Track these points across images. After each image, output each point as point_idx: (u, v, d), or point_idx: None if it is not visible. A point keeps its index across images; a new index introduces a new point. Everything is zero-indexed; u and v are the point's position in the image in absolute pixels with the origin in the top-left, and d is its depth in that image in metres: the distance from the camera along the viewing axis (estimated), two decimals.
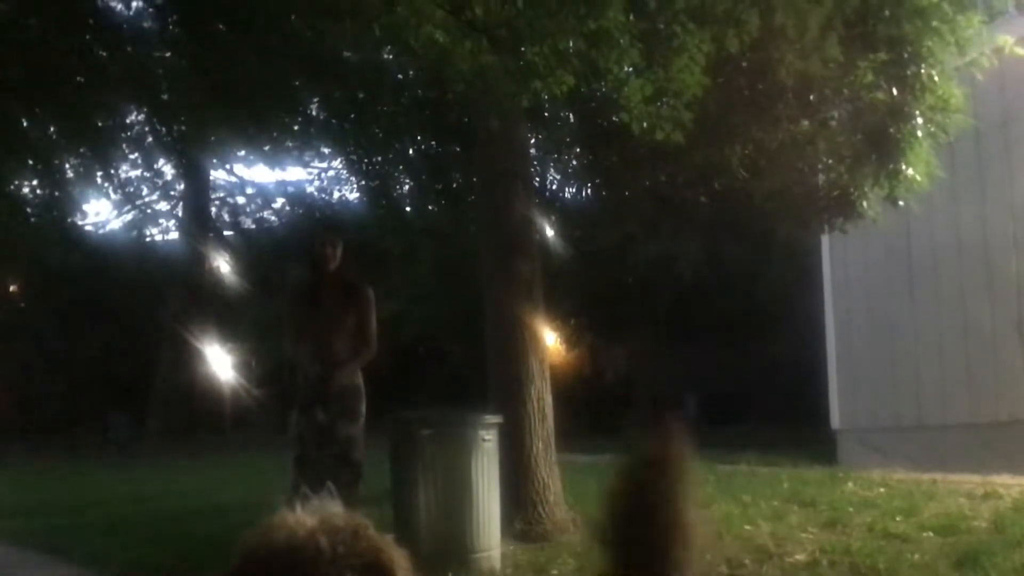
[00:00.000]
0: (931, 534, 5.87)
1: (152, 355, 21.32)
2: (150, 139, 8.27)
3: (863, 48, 6.48)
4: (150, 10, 7.13)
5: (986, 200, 10.39)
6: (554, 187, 11.53)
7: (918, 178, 7.08)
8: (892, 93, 6.67)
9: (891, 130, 6.85)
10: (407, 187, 9.85)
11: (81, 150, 7.54)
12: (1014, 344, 9.97)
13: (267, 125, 7.26)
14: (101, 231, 21.64)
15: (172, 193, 22.03)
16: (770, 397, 19.21)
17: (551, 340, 19.74)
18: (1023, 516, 6.23)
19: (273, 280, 22.07)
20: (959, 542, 5.62)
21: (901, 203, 7.35)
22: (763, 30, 5.74)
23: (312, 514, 1.26)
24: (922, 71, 6.62)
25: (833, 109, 7.07)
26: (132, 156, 9.58)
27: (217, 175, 22.71)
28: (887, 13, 6.30)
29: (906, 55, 6.49)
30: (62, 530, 8.26)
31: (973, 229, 10.53)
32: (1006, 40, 6.98)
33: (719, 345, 21.17)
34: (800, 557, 5.44)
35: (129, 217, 22.42)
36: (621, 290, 20.63)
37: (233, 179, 23.81)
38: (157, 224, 23.49)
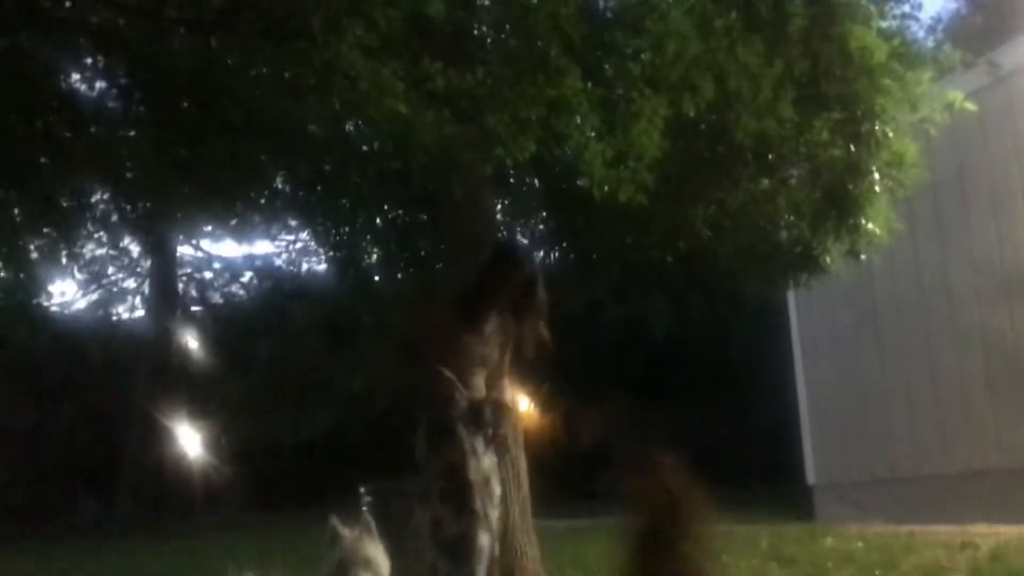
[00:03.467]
0: None
1: (120, 436, 21.00)
2: (115, 217, 8.23)
3: (817, 107, 6.64)
4: (113, 90, 7.17)
5: (946, 252, 10.57)
6: None
7: (878, 232, 7.20)
8: (848, 150, 6.81)
9: (849, 186, 6.99)
10: (375, 256, 9.87)
11: (45, 230, 7.51)
12: (982, 393, 10.06)
13: (233, 200, 7.28)
14: (67, 311, 21.46)
15: (138, 270, 21.97)
16: (745, 455, 19.18)
17: (524, 406, 19.65)
18: (1000, 565, 6.22)
19: (243, 355, 21.96)
20: None
21: (863, 257, 7.46)
22: (718, 93, 5.87)
23: None
24: (876, 128, 6.77)
25: (792, 167, 7.20)
26: (97, 235, 9.52)
27: (184, 251, 22.68)
28: (837, 73, 6.46)
29: (859, 113, 6.66)
30: None
31: (935, 281, 10.70)
32: (956, 96, 7.18)
33: (692, 405, 21.17)
34: None
35: (95, 296, 22.29)
36: (592, 353, 20.65)
37: (200, 254, 23.77)
38: (124, 302, 23.35)
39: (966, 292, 10.39)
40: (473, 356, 4.53)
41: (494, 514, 4.32)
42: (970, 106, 7.22)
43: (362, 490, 5.93)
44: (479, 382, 4.58)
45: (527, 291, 4.53)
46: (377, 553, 3.50)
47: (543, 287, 4.59)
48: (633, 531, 3.83)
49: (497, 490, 4.39)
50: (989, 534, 7.81)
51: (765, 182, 7.12)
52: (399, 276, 10.04)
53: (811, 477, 12.10)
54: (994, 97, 8.98)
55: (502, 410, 4.56)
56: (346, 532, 3.53)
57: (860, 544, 7.86)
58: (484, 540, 4.20)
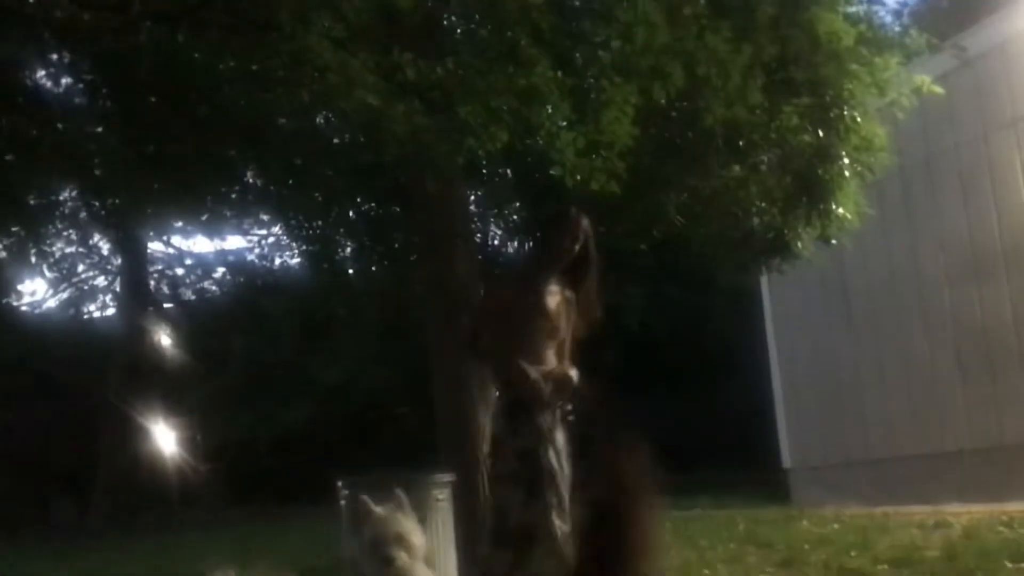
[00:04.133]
0: (886, 567, 5.91)
1: (94, 436, 20.83)
2: (84, 215, 8.14)
3: (786, 93, 6.67)
4: (79, 86, 7.08)
5: (915, 234, 10.67)
6: (496, 243, 11.58)
7: (848, 216, 7.26)
8: (818, 135, 6.86)
9: (819, 171, 7.04)
10: (349, 250, 9.82)
11: (13, 229, 7.42)
12: (953, 374, 10.17)
13: (203, 195, 7.21)
14: (37, 310, 21.24)
15: (109, 268, 21.74)
16: (722, 441, 19.29)
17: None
18: (974, 544, 6.30)
19: (217, 351, 21.79)
20: (913, 573, 5.67)
21: (834, 241, 7.52)
22: (688, 81, 5.88)
23: None
24: (845, 113, 6.82)
25: (762, 154, 7.23)
26: (66, 233, 9.42)
27: (155, 247, 22.46)
28: (806, 59, 6.50)
29: (828, 98, 6.70)
30: None
31: (905, 263, 10.80)
32: (924, 80, 7.23)
33: (668, 392, 21.27)
34: None
35: (66, 295, 22.07)
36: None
37: (171, 251, 23.56)
38: (95, 300, 23.14)
39: (936, 275, 10.49)
40: (542, 329, 4.32)
41: (566, 497, 4.06)
42: (937, 89, 7.28)
43: (340, 484, 5.90)
44: (550, 356, 4.36)
45: (583, 255, 4.37)
46: (411, 529, 3.31)
47: (597, 249, 4.43)
48: (586, 508, 3.89)
49: (567, 470, 4.14)
50: (962, 513, 7.92)
51: (736, 168, 7.15)
52: (373, 269, 10.00)
53: (786, 461, 12.19)
54: (961, 80, 9.06)
55: (573, 386, 4.34)
56: (378, 508, 3.36)
57: (836, 526, 7.95)
58: (556, 527, 3.94)
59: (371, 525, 3.26)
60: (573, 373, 4.34)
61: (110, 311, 23.20)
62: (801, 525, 8.23)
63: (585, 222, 4.38)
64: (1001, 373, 9.66)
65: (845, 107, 6.83)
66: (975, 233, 10.01)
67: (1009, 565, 4.88)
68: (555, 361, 4.35)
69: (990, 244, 9.85)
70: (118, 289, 22.77)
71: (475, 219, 10.50)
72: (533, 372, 4.17)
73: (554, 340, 4.36)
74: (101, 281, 22.78)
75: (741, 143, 6.98)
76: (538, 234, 4.54)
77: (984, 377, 9.81)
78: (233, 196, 7.93)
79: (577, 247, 4.33)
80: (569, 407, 4.32)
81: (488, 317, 4.45)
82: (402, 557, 3.19)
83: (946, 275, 10.40)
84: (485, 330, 4.43)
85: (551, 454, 4.08)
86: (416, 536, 3.29)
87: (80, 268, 20.10)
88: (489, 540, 4.00)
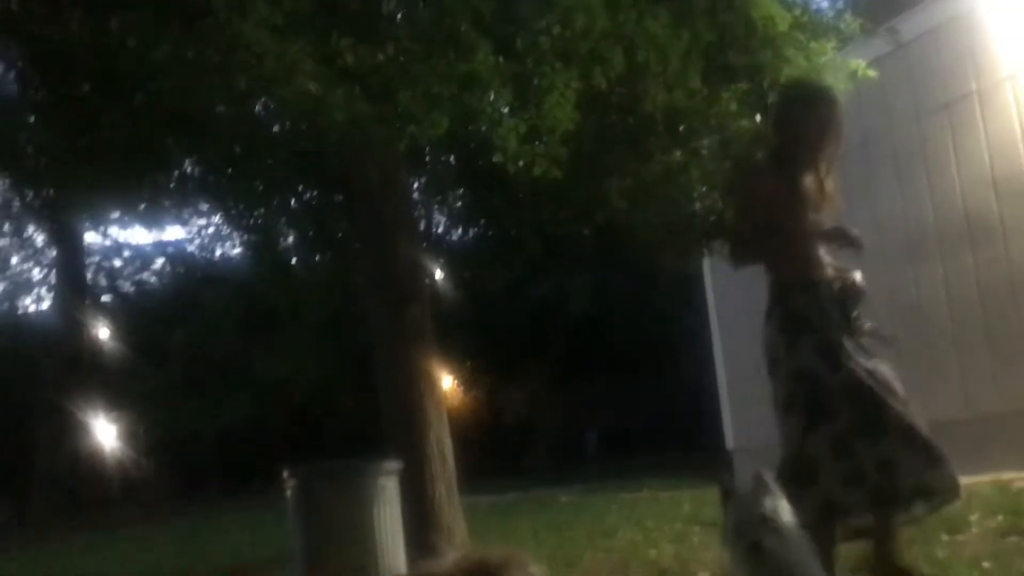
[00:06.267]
0: None
1: (32, 432, 20.42)
2: (17, 206, 7.96)
3: (725, 78, 6.74)
4: (10, 75, 6.91)
5: (852, 217, 10.83)
6: (440, 231, 11.57)
7: None
8: (755, 120, 6.94)
9: (758, 156, 7.12)
10: (291, 239, 9.73)
11: None
12: (888, 355, 10.38)
13: (140, 185, 7.09)
14: None
15: (44, 260, 21.30)
16: (668, 424, 19.54)
17: (447, 384, 19.69)
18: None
19: (157, 344, 21.45)
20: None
21: None
22: (627, 66, 5.91)
23: None
24: None
25: (702, 139, 7.30)
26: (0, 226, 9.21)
27: (91, 239, 22.05)
28: (742, 44, 6.57)
29: (765, 84, 6.78)
30: None
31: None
32: (859, 64, 7.35)
33: (614, 377, 21.48)
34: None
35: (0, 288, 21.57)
36: (514, 330, 20.78)
37: (108, 242, 23.15)
38: (30, 293, 22.65)
39: (872, 255, 10.65)
40: (806, 224, 3.72)
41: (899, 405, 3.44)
42: (872, 73, 7.40)
43: (286, 473, 5.85)
44: (819, 256, 3.77)
45: (833, 135, 3.82)
46: (778, 509, 2.80)
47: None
48: None
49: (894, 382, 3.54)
50: None
51: (677, 153, 7.21)
52: (316, 259, 9.93)
53: (730, 442, 12.37)
54: (895, 64, 9.22)
55: (856, 289, 3.74)
56: (739, 489, 2.93)
57: None
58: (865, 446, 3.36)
59: (733, 510, 2.84)
60: (858, 275, 3.78)
61: (46, 304, 22.75)
62: None
63: (834, 101, 3.89)
64: (936, 352, 9.89)
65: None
66: (909, 215, 10.22)
67: (945, 538, 5.01)
68: (824, 262, 3.76)
69: (924, 226, 10.07)
70: (54, 281, 22.32)
71: (418, 206, 10.46)
72: (816, 267, 3.62)
73: (820, 240, 3.80)
74: (36, 273, 22.33)
75: (681, 128, 7.05)
76: (787, 116, 3.91)
77: (921, 357, 10.04)
78: (171, 186, 7.81)
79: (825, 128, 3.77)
80: (859, 316, 3.71)
81: (755, 213, 3.78)
82: (771, 541, 2.73)
83: (882, 255, 10.60)
84: (753, 227, 3.79)
85: (849, 369, 3.49)
86: (787, 516, 2.79)
87: (14, 260, 19.70)
88: (781, 475, 3.33)
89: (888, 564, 3.50)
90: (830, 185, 3.91)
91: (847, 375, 3.49)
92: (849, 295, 3.69)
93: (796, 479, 3.31)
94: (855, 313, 3.70)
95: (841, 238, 3.84)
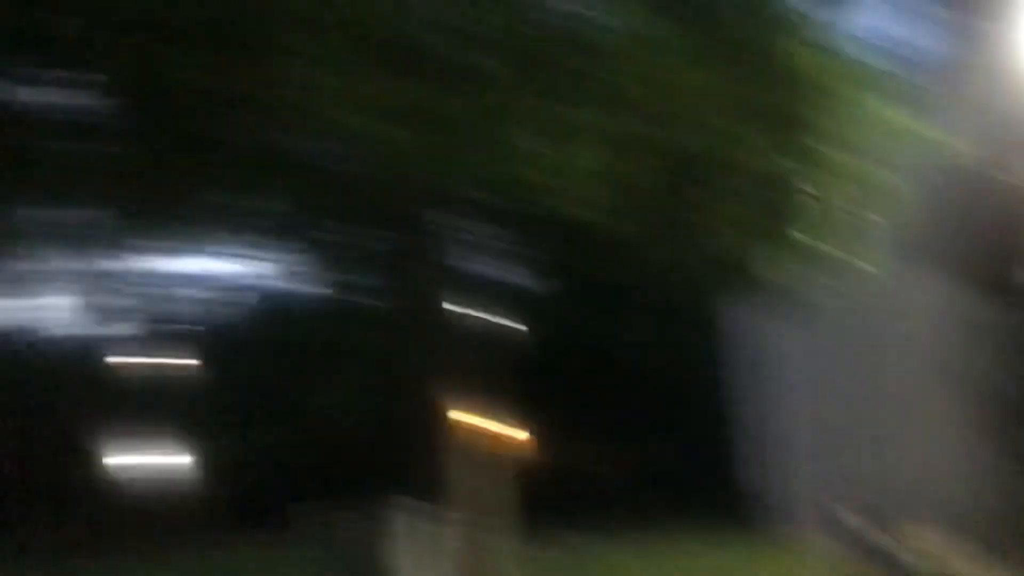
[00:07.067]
0: None
1: (68, 456, 20.30)
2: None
3: (757, 121, 6.71)
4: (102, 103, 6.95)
5: None
6: (464, 265, 11.52)
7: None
8: (782, 164, 6.90)
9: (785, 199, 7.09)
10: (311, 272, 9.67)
11: None
12: None
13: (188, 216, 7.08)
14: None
15: (105, 284, 21.25)
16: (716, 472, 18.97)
17: (500, 429, 19.28)
18: None
19: None
20: None
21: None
22: (659, 108, 5.93)
23: None
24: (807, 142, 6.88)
25: (729, 180, 7.27)
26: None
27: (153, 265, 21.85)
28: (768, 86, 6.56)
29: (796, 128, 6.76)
30: None
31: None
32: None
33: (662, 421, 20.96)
34: None
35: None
36: (577, 378, 20.51)
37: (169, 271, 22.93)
38: (79, 316, 22.60)
39: None
40: None
41: None
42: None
43: (304, 508, 5.80)
44: None
45: None
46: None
47: None
48: None
49: None
50: None
51: (702, 194, 7.16)
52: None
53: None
54: None
55: None
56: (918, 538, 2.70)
57: None
58: None
59: (913, 556, 2.63)
60: None
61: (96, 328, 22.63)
62: None
63: None
64: None
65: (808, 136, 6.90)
66: None
67: None
68: None
69: None
70: (108, 304, 22.21)
71: (444, 240, 10.46)
72: None
73: None
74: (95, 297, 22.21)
75: (707, 170, 7.03)
76: None
77: None
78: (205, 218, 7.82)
79: None
80: None
81: None
82: None
83: None
84: None
85: None
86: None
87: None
88: None
89: None
90: None
91: None
92: None
93: None
94: None
95: None
